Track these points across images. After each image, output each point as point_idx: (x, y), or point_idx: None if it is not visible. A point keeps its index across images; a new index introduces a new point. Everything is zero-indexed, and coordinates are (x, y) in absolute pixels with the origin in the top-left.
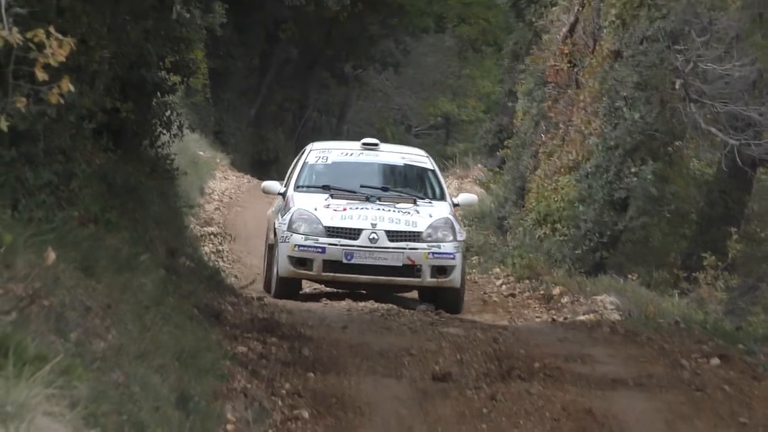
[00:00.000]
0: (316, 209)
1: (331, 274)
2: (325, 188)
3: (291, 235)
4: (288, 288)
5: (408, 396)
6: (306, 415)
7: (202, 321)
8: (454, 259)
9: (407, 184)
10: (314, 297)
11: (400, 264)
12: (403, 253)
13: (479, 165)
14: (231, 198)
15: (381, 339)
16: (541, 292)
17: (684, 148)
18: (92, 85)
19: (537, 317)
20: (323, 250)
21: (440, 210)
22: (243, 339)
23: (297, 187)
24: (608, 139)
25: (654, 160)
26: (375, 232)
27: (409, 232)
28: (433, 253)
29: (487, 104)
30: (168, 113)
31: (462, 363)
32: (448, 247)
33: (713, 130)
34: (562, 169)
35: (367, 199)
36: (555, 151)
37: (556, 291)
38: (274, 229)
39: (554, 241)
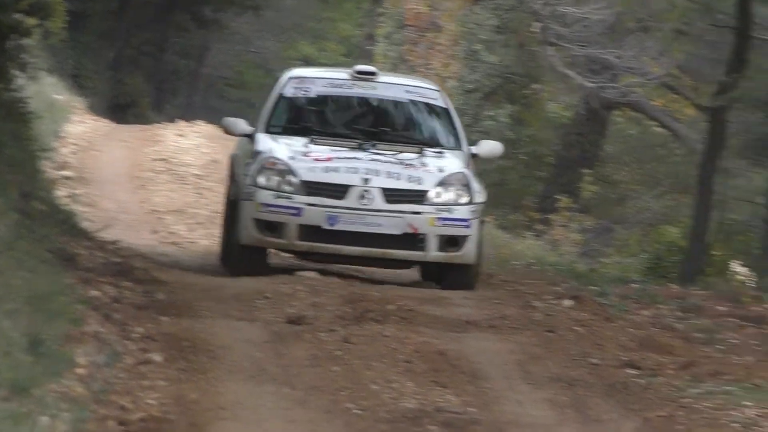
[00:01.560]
0: (291, 158)
1: (309, 243)
2: (305, 130)
3: (257, 191)
4: (250, 260)
5: (261, 339)
6: (158, 358)
7: (56, 265)
8: (468, 227)
9: (413, 126)
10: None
11: (399, 232)
12: (403, 218)
13: None
14: (87, 142)
15: (235, 282)
16: None
17: (541, 91)
18: None
19: None
20: (299, 211)
21: (454, 162)
22: (96, 283)
23: (268, 128)
24: (466, 82)
25: (511, 103)
26: (368, 190)
27: (413, 191)
28: (442, 218)
29: (347, 47)
30: (23, 56)
31: (317, 306)
32: (461, 211)
33: (570, 73)
34: None
35: (360, 146)
36: None
37: None
38: (234, 180)
39: None
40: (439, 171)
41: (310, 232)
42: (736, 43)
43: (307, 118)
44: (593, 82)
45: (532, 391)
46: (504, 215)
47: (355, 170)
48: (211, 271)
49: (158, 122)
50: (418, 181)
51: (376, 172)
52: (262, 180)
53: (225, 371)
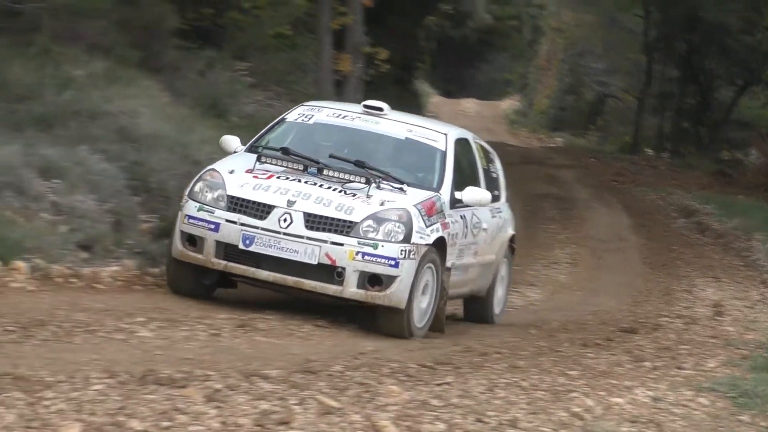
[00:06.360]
0: (232, 172)
1: (224, 262)
2: (284, 153)
3: (187, 202)
4: (181, 276)
5: None
6: None
7: None
8: (396, 266)
9: (387, 159)
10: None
11: (315, 262)
12: (320, 247)
13: None
14: (437, 105)
15: None
16: None
17: None
18: None
19: None
20: (216, 227)
21: (405, 198)
22: None
23: (252, 147)
24: None
25: None
26: (289, 213)
27: (339, 220)
28: (365, 253)
29: None
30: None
31: None
32: (389, 249)
33: None
34: None
35: (305, 168)
36: None
37: None
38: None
39: None
40: (380, 204)
41: (226, 250)
42: None
43: (295, 142)
44: None
45: None
46: None
47: (285, 191)
48: None
49: (461, 97)
50: (348, 210)
51: (306, 196)
52: (196, 189)
53: None
